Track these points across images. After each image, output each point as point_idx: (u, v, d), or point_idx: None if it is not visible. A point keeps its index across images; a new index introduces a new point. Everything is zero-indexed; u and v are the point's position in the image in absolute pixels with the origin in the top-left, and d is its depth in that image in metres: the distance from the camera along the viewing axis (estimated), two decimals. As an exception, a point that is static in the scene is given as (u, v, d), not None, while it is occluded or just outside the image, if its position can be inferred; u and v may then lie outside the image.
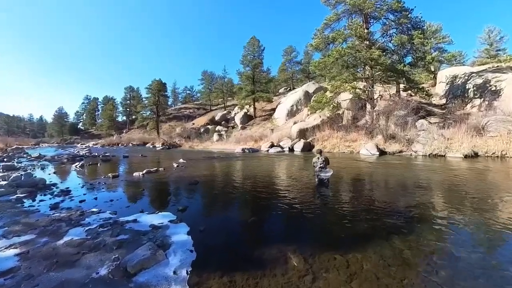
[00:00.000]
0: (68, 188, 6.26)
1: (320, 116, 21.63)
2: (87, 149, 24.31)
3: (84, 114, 67.73)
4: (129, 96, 58.58)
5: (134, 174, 8.15)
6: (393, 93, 19.13)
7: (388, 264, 2.54)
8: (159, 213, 4.20)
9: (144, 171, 8.38)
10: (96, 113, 66.65)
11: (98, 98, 67.48)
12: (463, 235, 3.20)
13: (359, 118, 18.77)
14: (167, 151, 22.93)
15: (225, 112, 42.07)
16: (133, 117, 57.77)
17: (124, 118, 61.04)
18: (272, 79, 41.20)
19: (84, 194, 5.62)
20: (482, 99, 16.38)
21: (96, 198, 5.26)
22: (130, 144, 37.25)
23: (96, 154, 18.50)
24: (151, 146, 31.94)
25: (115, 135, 46.68)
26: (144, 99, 49.74)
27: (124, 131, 51.72)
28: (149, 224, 3.63)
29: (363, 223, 3.61)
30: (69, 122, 66.44)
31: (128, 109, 57.97)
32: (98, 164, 11.76)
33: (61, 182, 7.17)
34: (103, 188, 6.24)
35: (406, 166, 9.36)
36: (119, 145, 37.31)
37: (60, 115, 65.85)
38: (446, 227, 3.40)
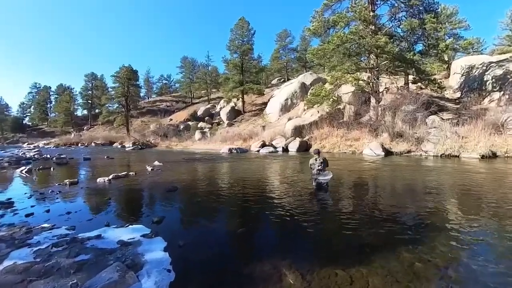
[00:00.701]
0: (10, 199, 5.97)
1: (318, 112, 22.07)
2: (36, 150, 23.37)
3: (32, 107, 65.29)
4: (91, 85, 57.28)
5: (98, 180, 8.01)
6: (401, 86, 19.87)
7: (396, 280, 2.57)
8: (129, 226, 4.15)
9: (111, 176, 8.30)
10: (48, 106, 64.55)
11: (50, 87, 65.52)
12: (481, 246, 3.28)
13: (362, 114, 19.33)
14: (139, 152, 22.70)
15: (209, 106, 42.00)
16: (97, 111, 56.53)
17: (85, 112, 59.64)
18: (264, 68, 41.65)
19: (32, 206, 5.39)
20: (502, 92, 17.12)
21: (48, 211, 5.08)
22: (93, 144, 36.55)
23: (49, 156, 17.86)
24: (119, 146, 31.59)
25: (74, 133, 45.59)
26: (110, 89, 48.88)
27: (85, 128, 50.58)
28: (117, 240, 3.57)
29: (368, 233, 3.67)
30: (11, 117, 63.69)
31: (89, 101, 56.58)
32: (51, 169, 11.38)
33: (0, 192, 6.89)
34: (57, 198, 6.06)
35: (415, 168, 9.66)
36: (79, 145, 36.62)
37: (-2, 107, 62.86)
38: (461, 237, 3.49)
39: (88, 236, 3.74)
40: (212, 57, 71.64)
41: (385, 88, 19.53)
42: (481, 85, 18.64)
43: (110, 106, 45.58)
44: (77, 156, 18.82)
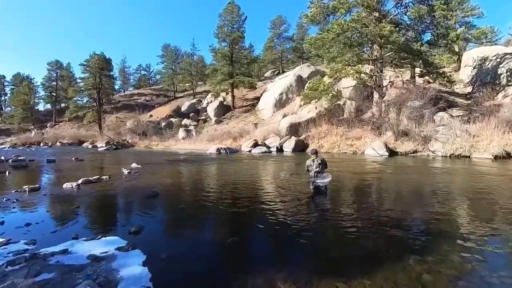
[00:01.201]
0: (-48, 209, 5.71)
1: (316, 108, 22.33)
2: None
3: (-20, 100, 63.38)
4: (55, 75, 55.90)
5: (64, 186, 7.86)
6: (407, 79, 20.27)
7: (403, 293, 2.60)
8: (102, 238, 4.10)
9: (80, 181, 8.18)
10: (3, 99, 62.92)
11: (4, 77, 63.53)
12: (495, 255, 3.33)
13: (364, 111, 19.67)
14: (114, 153, 22.49)
15: (194, 101, 41.85)
16: (63, 105, 55.40)
17: (49, 106, 58.13)
18: (256, 59, 41.81)
19: (-19, 219, 5.15)
20: (518, 86, 17.58)
21: (2, 223, 4.91)
22: (59, 144, 35.88)
23: (3, 158, 17.24)
24: (90, 146, 31.23)
25: (34, 131, 44.33)
26: (78, 80, 48.04)
27: (48, 125, 49.60)
28: (87, 255, 3.50)
29: (371, 242, 3.71)
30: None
31: (54, 94, 55.18)
32: (7, 173, 11.05)
33: None
34: (14, 208, 5.87)
35: (422, 170, 9.89)
36: (41, 144, 35.94)
37: None
38: (474, 246, 3.55)
39: (52, 251, 3.62)
40: (198, 46, 71.45)
41: (390, 82, 19.89)
42: (495, 78, 19.17)
43: (79, 100, 44.76)
44: (39, 157, 18.41)
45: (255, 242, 4.03)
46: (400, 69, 20.20)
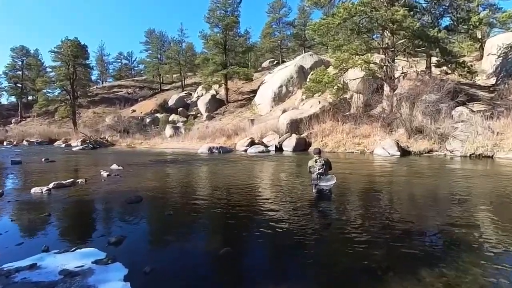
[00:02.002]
0: None
1: (319, 102, 22.44)
2: None
3: None
4: (20, 63, 54.92)
5: (32, 191, 7.76)
6: (422, 70, 20.43)
7: (418, 310, 2.66)
8: (77, 250, 4.05)
9: (51, 185, 8.09)
10: (-44, 90, 61.48)
11: (-44, 63, 62.54)
12: None
13: (374, 105, 19.83)
14: (91, 153, 22.44)
15: (183, 94, 41.86)
16: (30, 98, 54.67)
17: (13, 99, 57.20)
18: (253, 47, 41.73)
19: None
20: (549, 78, 17.71)
21: (-45, 236, 4.76)
22: (25, 142, 35.70)
23: (-41, 159, 17.12)
24: (63, 145, 31.04)
25: (-4, 128, 43.75)
26: (49, 69, 47.28)
27: (13, 121, 49.00)
28: (59, 270, 3.43)
29: (381, 252, 3.72)
30: None
31: (19, 85, 54.23)
32: (-38, 177, 10.96)
33: None
34: (-29, 218, 5.78)
35: (439, 172, 9.99)
36: (4, 143, 35.77)
37: None
38: (498, 258, 3.51)
39: (17, 267, 3.55)
40: (187, 32, 71.77)
41: (402, 73, 20.03)
42: (522, 69, 19.27)
43: (49, 92, 44.25)
44: (1, 158, 18.32)
45: (251, 253, 4.03)
46: (414, 59, 20.41)
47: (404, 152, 14.51)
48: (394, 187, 7.92)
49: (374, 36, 19.38)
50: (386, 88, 19.03)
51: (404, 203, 6.29)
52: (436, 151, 14.55)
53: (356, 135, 17.76)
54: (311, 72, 25.79)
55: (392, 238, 4.16)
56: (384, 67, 18.67)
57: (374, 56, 19.41)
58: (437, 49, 18.35)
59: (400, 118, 16.59)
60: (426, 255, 3.63)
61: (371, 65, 18.29)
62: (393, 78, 18.87)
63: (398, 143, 14.89)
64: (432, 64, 21.03)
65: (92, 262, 3.61)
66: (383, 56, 19.07)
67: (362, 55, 18.23)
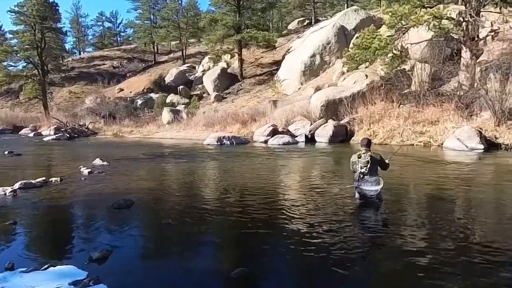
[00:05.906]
0: None
1: (366, 77, 20.17)
2: None
3: None
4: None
5: (-7, 193, 7.43)
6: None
7: None
8: (50, 268, 3.69)
9: (17, 186, 7.56)
10: None
11: None
12: None
13: (445, 79, 17.06)
14: (68, 144, 21.84)
15: (184, 67, 38.48)
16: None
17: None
18: (276, 2, 36.55)
19: None
20: None
21: None
22: (-18, 131, 34.74)
23: None
24: (31, 134, 29.50)
25: None
26: (9, 35, 42.60)
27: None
28: (28, 293, 3.24)
29: (453, 278, 3.23)
30: None
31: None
32: None
33: None
34: None
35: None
36: None
37: None
38: None
39: (-26, 288, 3.36)
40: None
41: (491, 31, 17.14)
42: None
43: (10, 66, 39.94)
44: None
45: (273, 276, 3.59)
46: (510, 9, 16.49)
47: (490, 146, 12.49)
48: (475, 197, 6.78)
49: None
50: (465, 54, 15.61)
51: (490, 220, 5.29)
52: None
53: (419, 121, 15.24)
54: (356, 35, 22.67)
55: (469, 267, 3.55)
56: (464, 23, 15.20)
57: (449, 8, 15.91)
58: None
59: (485, 96, 13.97)
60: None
61: (444, 21, 14.96)
62: (476, 39, 15.49)
63: (481, 133, 12.71)
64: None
65: (70, 284, 3.38)
66: (462, 7, 16.08)
67: (431, 7, 15.05)
